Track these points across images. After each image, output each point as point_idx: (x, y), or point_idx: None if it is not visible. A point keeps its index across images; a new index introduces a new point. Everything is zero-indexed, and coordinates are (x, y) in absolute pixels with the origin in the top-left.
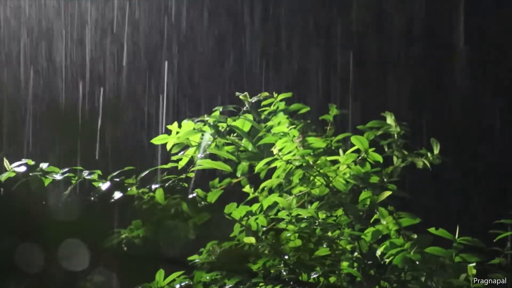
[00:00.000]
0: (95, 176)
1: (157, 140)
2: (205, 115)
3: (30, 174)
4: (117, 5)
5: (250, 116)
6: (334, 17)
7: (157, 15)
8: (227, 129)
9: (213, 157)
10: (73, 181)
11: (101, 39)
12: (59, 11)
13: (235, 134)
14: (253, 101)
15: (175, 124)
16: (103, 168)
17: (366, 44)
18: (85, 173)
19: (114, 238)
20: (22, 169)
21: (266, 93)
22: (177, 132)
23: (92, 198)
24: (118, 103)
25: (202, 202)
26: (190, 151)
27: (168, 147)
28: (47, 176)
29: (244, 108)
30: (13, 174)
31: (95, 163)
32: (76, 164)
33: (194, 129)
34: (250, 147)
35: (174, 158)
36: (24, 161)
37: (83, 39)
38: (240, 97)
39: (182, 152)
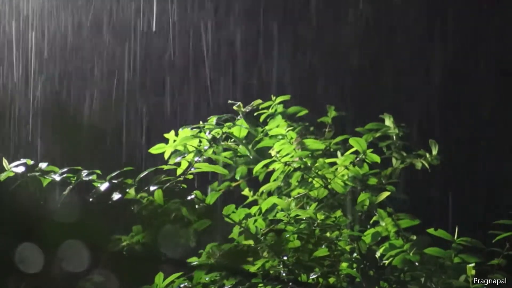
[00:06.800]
0: (94, 177)
1: (154, 150)
2: (201, 122)
3: (29, 174)
4: (117, 5)
5: (245, 124)
6: (333, 19)
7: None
8: (223, 135)
9: (211, 161)
10: (72, 181)
11: (103, 39)
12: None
13: (232, 140)
14: (247, 110)
15: (172, 132)
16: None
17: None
18: (84, 173)
19: (115, 245)
20: (21, 169)
21: (259, 101)
22: (174, 141)
23: (91, 199)
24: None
25: (201, 204)
26: (188, 157)
27: (166, 156)
28: (45, 176)
29: (239, 117)
30: (12, 174)
31: (95, 165)
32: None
33: (191, 135)
34: (248, 151)
35: (171, 162)
36: (23, 160)
37: (87, 38)
38: (234, 107)
39: (179, 159)
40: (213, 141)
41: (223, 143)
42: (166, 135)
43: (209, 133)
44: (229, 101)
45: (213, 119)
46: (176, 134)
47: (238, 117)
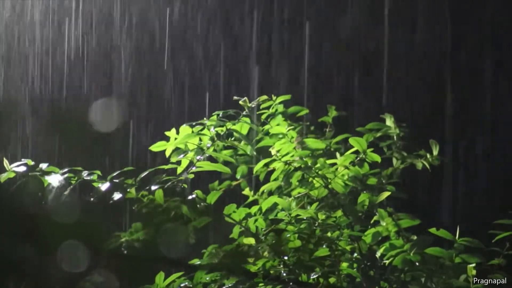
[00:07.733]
0: (94, 177)
1: (155, 147)
2: (204, 119)
3: (30, 174)
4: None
5: (248, 120)
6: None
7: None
8: (226, 133)
9: (212, 160)
10: (73, 181)
11: (103, 36)
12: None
13: (233, 138)
14: (253, 105)
15: (173, 130)
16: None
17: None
18: (85, 174)
19: (113, 242)
20: (22, 169)
21: (265, 96)
22: (175, 138)
23: (92, 199)
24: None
25: (202, 203)
26: (189, 155)
27: (167, 153)
28: (46, 177)
29: (244, 113)
30: (13, 175)
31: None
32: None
33: (192, 132)
34: (248, 150)
35: (172, 160)
36: (24, 161)
37: (87, 36)
38: (240, 102)
39: (181, 156)
40: (217, 137)
41: (225, 140)
42: (167, 133)
43: (214, 129)
44: (235, 98)
45: (216, 116)
46: (177, 132)
47: (244, 113)
